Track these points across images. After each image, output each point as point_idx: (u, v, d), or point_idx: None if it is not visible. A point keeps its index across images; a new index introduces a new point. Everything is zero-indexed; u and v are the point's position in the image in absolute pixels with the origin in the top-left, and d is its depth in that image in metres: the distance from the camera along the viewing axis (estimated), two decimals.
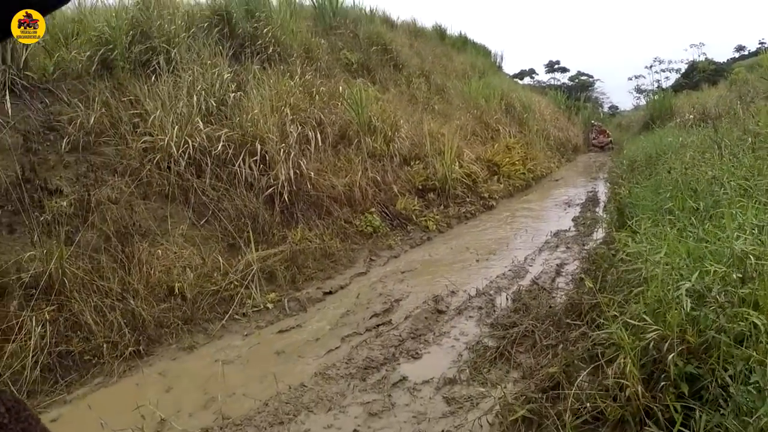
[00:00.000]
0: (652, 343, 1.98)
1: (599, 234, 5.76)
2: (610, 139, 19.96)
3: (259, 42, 6.71)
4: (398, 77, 9.78)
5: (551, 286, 4.17)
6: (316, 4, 9.52)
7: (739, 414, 1.56)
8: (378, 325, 3.61)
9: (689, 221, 2.98)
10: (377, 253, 5.42)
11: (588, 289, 3.04)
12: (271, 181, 5.00)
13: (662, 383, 1.88)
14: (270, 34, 6.86)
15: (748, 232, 2.36)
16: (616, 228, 4.38)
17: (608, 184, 9.64)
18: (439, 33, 15.05)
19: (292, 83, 6.29)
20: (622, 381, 1.96)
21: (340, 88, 7.14)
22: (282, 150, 5.22)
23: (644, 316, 2.10)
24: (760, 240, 2.25)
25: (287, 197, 4.99)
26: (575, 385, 2.15)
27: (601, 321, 2.47)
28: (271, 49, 6.76)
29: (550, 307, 3.56)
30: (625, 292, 2.59)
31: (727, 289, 2.01)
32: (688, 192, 3.63)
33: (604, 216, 5.79)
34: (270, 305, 3.99)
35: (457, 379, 2.80)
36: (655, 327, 2.00)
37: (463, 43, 16.35)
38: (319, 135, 5.90)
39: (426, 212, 6.64)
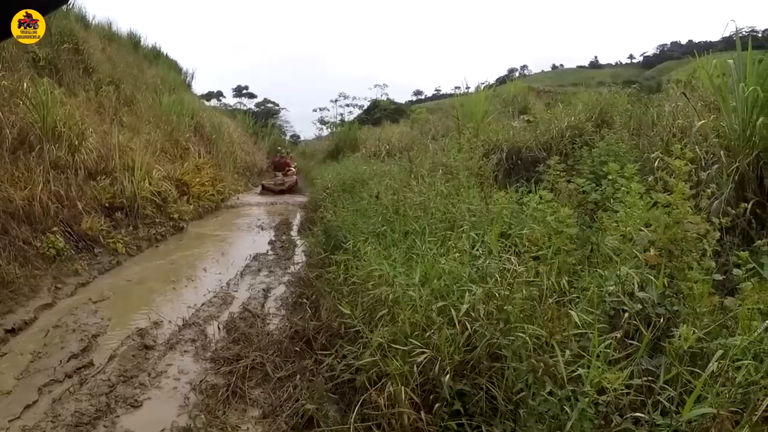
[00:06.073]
0: (418, 367, 2.00)
1: (300, 257, 5.79)
2: (294, 177, 14.44)
3: None
4: (87, 82, 8.99)
5: (263, 312, 4.04)
6: None
7: (541, 421, 1.64)
8: (79, 369, 3.09)
9: (412, 243, 3.06)
10: (62, 280, 4.72)
11: (311, 315, 3.06)
12: None
13: (437, 404, 1.93)
14: None
15: (492, 252, 2.43)
16: (326, 251, 4.45)
17: (300, 208, 9.88)
18: (134, 41, 14.48)
19: None
20: (396, 409, 1.94)
21: (25, 85, 6.27)
22: None
23: (412, 340, 2.10)
24: (507, 259, 2.32)
25: None
26: (352, 418, 2.04)
27: (348, 348, 2.47)
28: None
29: (271, 335, 3.42)
30: (362, 315, 2.49)
31: (494, 307, 2.06)
32: (398, 216, 3.75)
33: (311, 239, 5.68)
34: None
35: (193, 427, 2.47)
36: (422, 349, 2.03)
37: (156, 55, 15.81)
38: None
39: (114, 233, 6.07)
